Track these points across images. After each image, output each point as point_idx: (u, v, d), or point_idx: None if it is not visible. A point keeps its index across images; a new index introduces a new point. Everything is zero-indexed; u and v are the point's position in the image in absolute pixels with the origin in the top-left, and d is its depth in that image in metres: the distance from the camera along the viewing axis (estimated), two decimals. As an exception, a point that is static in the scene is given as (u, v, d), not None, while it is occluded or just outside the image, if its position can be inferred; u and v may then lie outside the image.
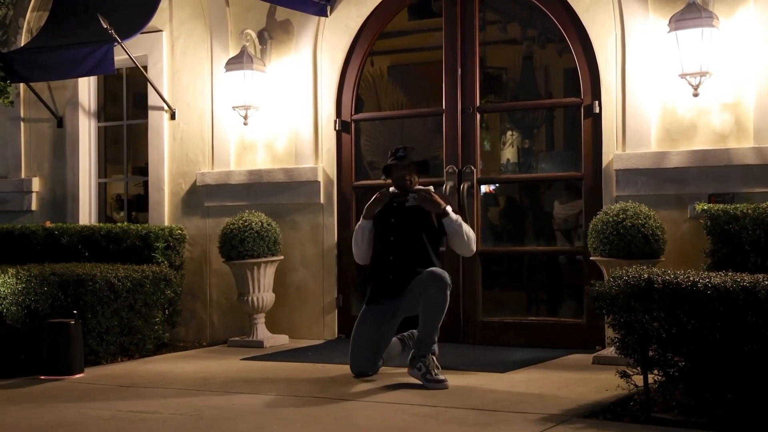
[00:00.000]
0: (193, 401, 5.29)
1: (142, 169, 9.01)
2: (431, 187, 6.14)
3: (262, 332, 7.63)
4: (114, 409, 5.09)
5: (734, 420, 4.40)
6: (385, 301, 5.97)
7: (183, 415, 4.92)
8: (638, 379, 4.77)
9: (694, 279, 4.51)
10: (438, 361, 5.76)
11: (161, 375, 6.27)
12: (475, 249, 6.04)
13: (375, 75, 9.14)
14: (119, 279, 6.82)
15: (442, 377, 5.61)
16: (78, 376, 6.20)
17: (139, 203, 9.30)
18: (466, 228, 5.96)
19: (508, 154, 9.12)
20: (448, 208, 5.93)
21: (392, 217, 6.02)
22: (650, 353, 4.70)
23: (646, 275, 4.66)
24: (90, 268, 6.89)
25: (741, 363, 4.40)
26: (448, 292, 5.73)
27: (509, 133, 8.98)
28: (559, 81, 8.40)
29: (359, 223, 6.18)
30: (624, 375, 4.79)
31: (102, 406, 5.19)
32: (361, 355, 5.94)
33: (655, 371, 4.74)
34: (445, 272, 5.79)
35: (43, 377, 6.15)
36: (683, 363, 4.63)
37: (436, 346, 5.81)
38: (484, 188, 8.05)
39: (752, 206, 5.86)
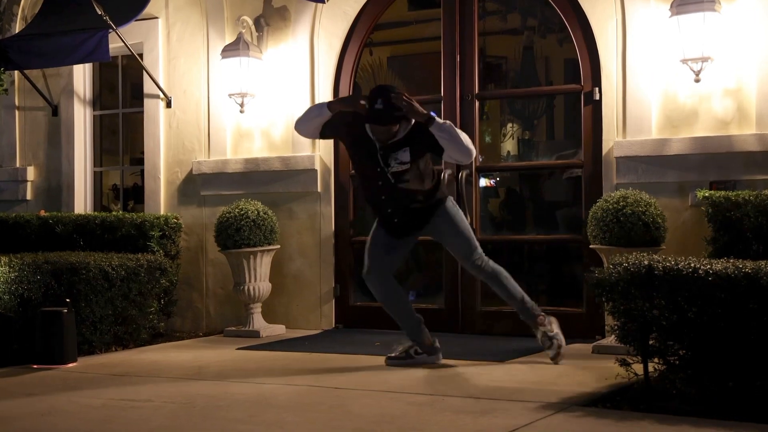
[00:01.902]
0: (186, 390, 5.22)
1: (140, 161, 8.92)
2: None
3: (258, 322, 7.55)
4: (105, 398, 5.02)
5: (735, 409, 4.32)
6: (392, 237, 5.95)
7: (175, 403, 4.85)
8: (638, 368, 4.71)
9: (695, 266, 4.44)
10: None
11: (155, 364, 6.20)
12: (474, 150, 5.78)
13: (374, 65, 9.07)
14: (113, 267, 6.74)
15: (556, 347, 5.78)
16: (71, 365, 6.12)
17: (136, 193, 9.22)
18: (459, 130, 5.71)
19: (509, 143, 9.05)
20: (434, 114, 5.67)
21: (378, 158, 5.72)
22: (650, 341, 4.63)
23: (646, 262, 4.59)
24: (84, 256, 6.81)
25: (742, 351, 4.33)
26: (498, 270, 5.87)
27: (509, 124, 8.91)
28: (559, 71, 8.33)
29: (320, 105, 5.94)
30: (624, 363, 4.73)
31: (93, 395, 5.12)
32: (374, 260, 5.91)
33: (656, 359, 4.67)
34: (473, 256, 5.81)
35: (35, 366, 6.08)
36: (684, 351, 4.56)
37: (532, 306, 5.88)
38: (484, 182, 7.98)
39: (754, 193, 5.78)
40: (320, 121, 5.89)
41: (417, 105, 5.68)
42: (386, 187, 5.76)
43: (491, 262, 5.88)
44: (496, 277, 5.87)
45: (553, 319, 5.89)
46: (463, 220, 5.93)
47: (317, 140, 7.78)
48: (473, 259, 5.84)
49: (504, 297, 5.94)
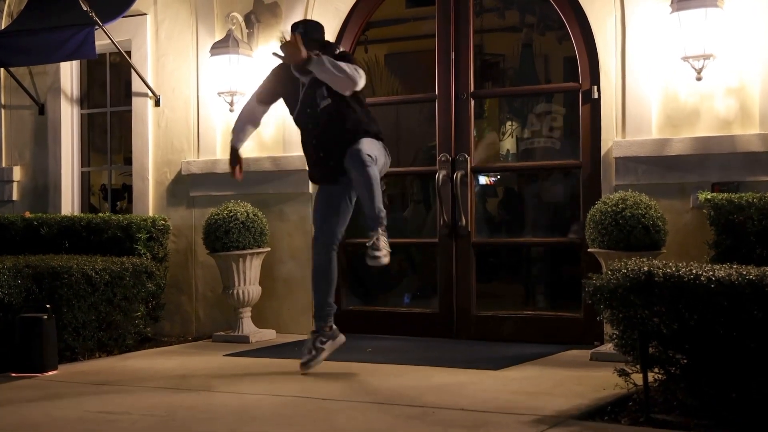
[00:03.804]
0: (168, 401, 5.02)
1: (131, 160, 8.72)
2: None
3: (247, 327, 7.36)
4: (82, 410, 4.80)
5: (738, 421, 4.14)
6: (328, 186, 5.93)
7: (154, 416, 4.64)
8: (637, 378, 4.51)
9: (696, 272, 4.25)
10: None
11: (138, 372, 6.00)
12: (359, 80, 5.56)
13: (371, 63, 8.91)
14: (97, 271, 6.54)
15: (378, 253, 5.51)
16: (51, 373, 5.92)
17: (129, 193, 9.01)
18: (339, 64, 5.52)
19: (508, 145, 8.89)
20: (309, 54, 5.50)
21: (305, 107, 5.78)
22: (650, 350, 4.44)
23: (646, 268, 4.39)
24: (66, 260, 6.61)
25: (746, 361, 4.15)
26: (369, 169, 5.54)
27: (508, 123, 8.75)
28: (559, 69, 8.17)
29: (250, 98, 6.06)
30: (623, 373, 4.55)
31: (70, 406, 4.90)
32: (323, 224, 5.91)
33: (656, 369, 4.48)
34: (361, 147, 5.54)
35: (14, 374, 5.87)
36: (685, 361, 4.38)
37: (382, 218, 5.60)
38: (483, 180, 7.80)
39: (758, 195, 5.62)
40: (254, 101, 6.02)
41: (299, 48, 5.50)
42: (318, 128, 5.75)
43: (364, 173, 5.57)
44: (363, 183, 5.57)
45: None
46: (371, 143, 5.69)
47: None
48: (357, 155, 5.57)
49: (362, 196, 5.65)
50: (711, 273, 4.21)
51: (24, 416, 4.71)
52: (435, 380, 5.47)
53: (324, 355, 5.80)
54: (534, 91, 8.02)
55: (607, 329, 5.37)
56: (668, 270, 4.33)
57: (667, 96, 6.43)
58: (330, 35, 7.60)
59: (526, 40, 8.20)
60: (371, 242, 5.53)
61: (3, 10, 8.88)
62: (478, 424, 4.35)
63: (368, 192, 5.59)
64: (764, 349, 4.08)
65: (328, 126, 5.73)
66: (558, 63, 8.16)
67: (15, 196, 8.90)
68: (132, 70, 8.19)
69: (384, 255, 5.52)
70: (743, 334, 4.12)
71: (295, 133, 7.55)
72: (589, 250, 6.16)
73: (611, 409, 4.59)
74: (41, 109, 8.77)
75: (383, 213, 5.65)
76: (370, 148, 5.65)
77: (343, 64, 5.54)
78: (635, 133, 6.50)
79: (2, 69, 8.63)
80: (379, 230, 5.58)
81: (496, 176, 8.43)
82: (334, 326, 5.94)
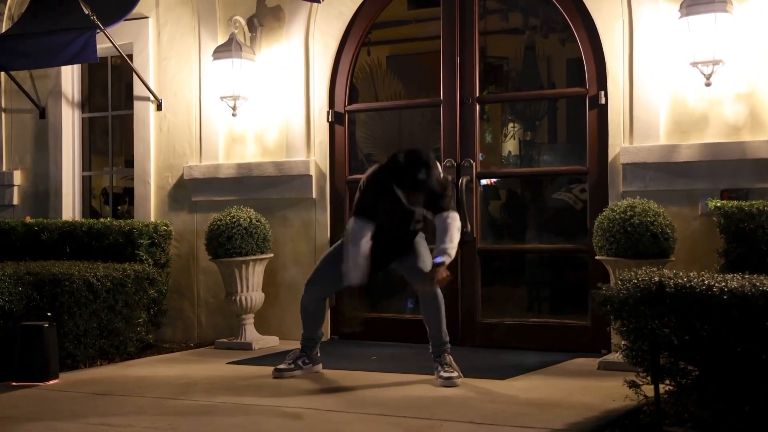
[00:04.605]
0: (170, 412, 4.93)
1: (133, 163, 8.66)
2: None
3: (250, 333, 7.29)
4: (83, 422, 4.73)
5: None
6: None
7: (157, 428, 4.56)
8: (648, 389, 4.44)
9: (709, 283, 4.18)
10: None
11: (140, 381, 5.91)
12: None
13: (373, 65, 8.83)
14: (98, 278, 6.46)
15: (447, 375, 5.56)
16: (52, 382, 5.84)
17: (130, 197, 8.95)
18: (453, 232, 5.53)
19: (510, 146, 8.81)
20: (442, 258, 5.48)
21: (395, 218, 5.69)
22: (661, 361, 4.36)
23: (656, 279, 4.32)
24: (67, 266, 6.53)
25: (759, 373, 4.07)
26: (438, 289, 5.64)
27: (510, 125, 8.67)
28: (562, 72, 8.10)
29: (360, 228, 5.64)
30: (633, 385, 4.46)
31: (71, 419, 4.81)
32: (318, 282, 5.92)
33: (666, 381, 4.41)
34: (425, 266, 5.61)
35: (15, 384, 5.79)
36: (696, 372, 4.30)
37: (448, 345, 5.75)
38: (484, 180, 7.73)
39: (768, 203, 5.53)
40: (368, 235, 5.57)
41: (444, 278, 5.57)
42: (393, 237, 5.74)
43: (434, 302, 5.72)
44: (436, 301, 5.69)
45: (455, 367, 5.68)
46: (425, 250, 5.80)
47: (312, 144, 7.55)
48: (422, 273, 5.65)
49: (430, 322, 5.72)
50: (723, 284, 4.14)
51: (25, 429, 4.63)
52: (441, 390, 5.40)
53: (298, 373, 5.93)
54: (540, 96, 7.94)
55: (615, 338, 5.31)
56: (680, 280, 4.26)
57: (676, 102, 6.36)
58: (334, 39, 7.55)
59: (529, 42, 8.12)
60: (441, 370, 5.58)
61: (3, 13, 8.81)
62: (486, 437, 4.29)
63: (438, 314, 5.71)
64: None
65: (398, 231, 5.73)
66: (561, 65, 8.09)
67: (16, 201, 8.83)
68: (134, 74, 8.13)
69: (458, 376, 5.58)
70: (756, 345, 4.05)
71: (298, 137, 7.55)
72: (596, 257, 6.08)
73: (621, 421, 4.53)
74: (42, 113, 8.70)
75: (448, 338, 5.75)
76: (429, 257, 5.69)
77: (450, 228, 5.49)
78: (643, 139, 6.43)
79: (3, 72, 8.56)
80: (445, 355, 5.68)
81: (499, 179, 8.35)
82: (319, 353, 6.11)
